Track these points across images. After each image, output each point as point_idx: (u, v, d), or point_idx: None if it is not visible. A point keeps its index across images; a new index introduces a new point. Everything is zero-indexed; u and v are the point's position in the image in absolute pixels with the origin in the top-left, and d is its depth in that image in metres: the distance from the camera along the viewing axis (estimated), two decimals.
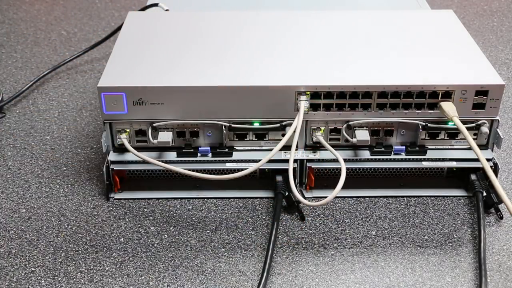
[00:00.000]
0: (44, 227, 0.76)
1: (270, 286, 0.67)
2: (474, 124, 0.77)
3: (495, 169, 0.78)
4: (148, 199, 0.80)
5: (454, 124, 0.74)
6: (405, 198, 0.80)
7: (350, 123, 0.77)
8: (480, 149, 0.74)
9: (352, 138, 0.78)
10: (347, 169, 0.75)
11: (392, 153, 0.79)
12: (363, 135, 0.77)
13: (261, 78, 0.76)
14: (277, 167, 0.78)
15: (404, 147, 0.79)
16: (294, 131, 0.74)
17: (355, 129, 0.78)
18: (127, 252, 0.72)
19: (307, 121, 0.77)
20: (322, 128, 0.78)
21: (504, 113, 0.99)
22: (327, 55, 0.82)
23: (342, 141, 0.79)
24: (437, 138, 0.79)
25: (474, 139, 0.78)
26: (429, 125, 0.77)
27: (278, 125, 0.77)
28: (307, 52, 0.82)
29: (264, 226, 0.76)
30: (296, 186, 0.76)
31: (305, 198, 0.76)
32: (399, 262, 0.71)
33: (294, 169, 0.78)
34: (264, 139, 0.79)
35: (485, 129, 0.77)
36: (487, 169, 0.71)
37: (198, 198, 0.80)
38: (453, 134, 0.79)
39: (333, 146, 0.77)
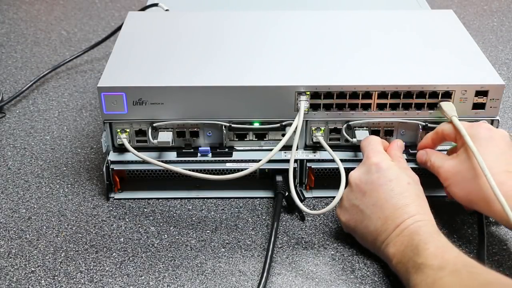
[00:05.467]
0: (44, 227, 0.76)
1: (270, 286, 0.67)
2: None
3: None
4: (148, 199, 0.80)
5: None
6: None
7: (350, 123, 0.77)
8: None
9: (352, 138, 0.78)
10: (348, 169, 0.75)
11: None
12: (363, 135, 0.77)
13: (261, 78, 0.76)
14: (277, 167, 0.78)
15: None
16: (294, 131, 0.74)
17: (355, 129, 0.78)
18: (127, 252, 0.72)
19: (307, 121, 0.77)
20: (322, 128, 0.78)
21: (504, 113, 0.99)
22: (327, 55, 0.82)
23: (342, 141, 0.79)
24: None
25: None
26: (429, 125, 0.77)
27: (278, 125, 0.77)
28: (307, 52, 0.82)
29: (264, 226, 0.76)
30: (296, 186, 0.77)
31: (305, 198, 0.76)
32: None
33: (294, 169, 0.78)
34: (264, 139, 0.79)
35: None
36: (484, 170, 0.69)
37: (198, 198, 0.80)
38: None
39: (333, 146, 0.77)
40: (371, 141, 0.72)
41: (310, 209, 0.77)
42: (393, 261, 0.64)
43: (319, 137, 0.78)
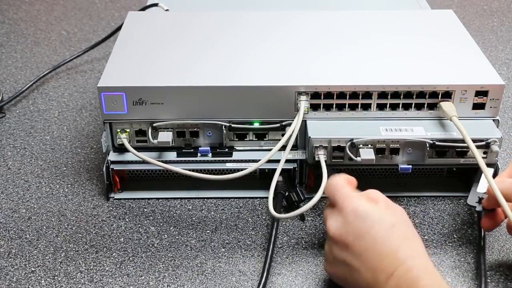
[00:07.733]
0: (44, 227, 0.76)
1: (270, 286, 0.67)
2: (484, 143, 0.74)
3: (495, 169, 0.77)
4: (148, 199, 0.80)
5: (464, 142, 0.71)
6: (405, 198, 0.80)
7: (354, 141, 0.74)
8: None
9: (356, 157, 0.74)
10: (348, 169, 0.74)
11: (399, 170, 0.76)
12: (367, 154, 0.74)
13: (261, 78, 0.76)
14: (277, 167, 0.78)
15: (410, 166, 0.75)
16: (294, 131, 0.74)
17: (359, 148, 0.74)
18: (127, 252, 0.72)
19: (307, 123, 0.77)
20: (325, 146, 0.74)
21: (504, 113, 0.99)
22: (327, 55, 0.82)
23: (346, 159, 0.75)
24: (444, 157, 0.76)
25: (483, 157, 0.74)
26: (436, 143, 0.74)
27: (278, 125, 0.77)
28: (307, 52, 0.82)
29: (264, 226, 0.76)
30: (296, 186, 0.77)
31: (305, 198, 0.76)
32: None
33: (294, 169, 0.78)
34: (264, 139, 0.79)
35: (495, 147, 0.74)
36: (486, 173, 0.69)
37: (198, 198, 0.80)
38: (462, 152, 0.75)
39: (336, 165, 0.75)
40: (337, 185, 0.65)
41: (278, 213, 0.72)
42: None
43: (321, 156, 0.74)
